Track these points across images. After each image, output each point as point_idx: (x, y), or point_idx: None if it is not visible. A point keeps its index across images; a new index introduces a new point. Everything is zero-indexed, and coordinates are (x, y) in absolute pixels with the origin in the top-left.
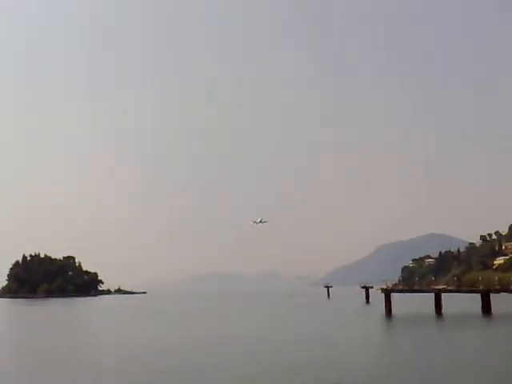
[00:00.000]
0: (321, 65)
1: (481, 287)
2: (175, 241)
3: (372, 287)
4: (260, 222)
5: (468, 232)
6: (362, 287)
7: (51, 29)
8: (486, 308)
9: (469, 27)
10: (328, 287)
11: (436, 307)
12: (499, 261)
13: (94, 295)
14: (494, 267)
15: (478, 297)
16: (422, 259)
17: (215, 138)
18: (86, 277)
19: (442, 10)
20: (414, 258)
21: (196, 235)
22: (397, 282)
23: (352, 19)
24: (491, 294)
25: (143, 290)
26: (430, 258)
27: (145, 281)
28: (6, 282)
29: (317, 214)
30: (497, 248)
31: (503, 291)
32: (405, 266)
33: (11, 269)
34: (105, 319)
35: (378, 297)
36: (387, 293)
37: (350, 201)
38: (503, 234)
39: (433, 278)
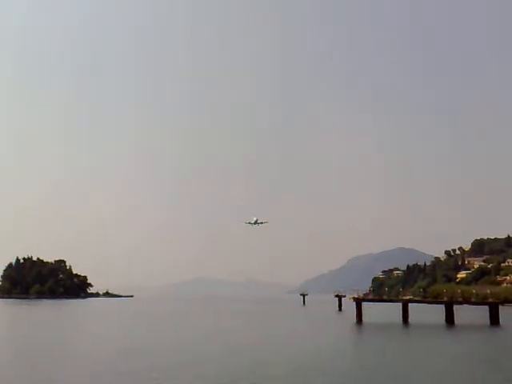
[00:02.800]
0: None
1: (445, 299)
2: (158, 248)
3: (344, 296)
4: (255, 223)
5: (434, 247)
6: (336, 296)
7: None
8: (450, 318)
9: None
10: (304, 295)
11: (403, 316)
12: (462, 274)
13: (83, 298)
14: (457, 280)
15: (442, 307)
16: (391, 271)
17: (197, 140)
18: (75, 280)
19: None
20: (383, 269)
21: (178, 242)
22: (367, 291)
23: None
24: (454, 306)
25: (130, 294)
26: (399, 270)
27: (132, 284)
28: (0, 283)
29: (297, 224)
30: (460, 263)
31: (465, 303)
32: (375, 277)
33: (5, 270)
34: (93, 320)
35: (350, 305)
36: (358, 302)
37: (327, 214)
38: (466, 249)
39: (401, 289)
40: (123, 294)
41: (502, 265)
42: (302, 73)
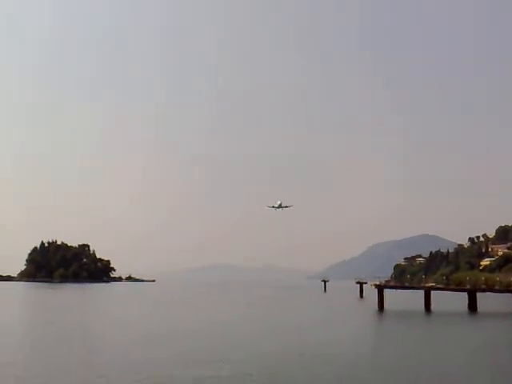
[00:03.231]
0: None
1: (468, 286)
2: (178, 232)
3: (366, 283)
4: (279, 206)
5: (457, 234)
6: (357, 283)
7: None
8: (473, 306)
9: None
10: (325, 281)
11: (425, 304)
12: (486, 262)
13: (107, 282)
14: (481, 268)
15: (464, 295)
16: (413, 258)
17: (216, 127)
18: (99, 264)
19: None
20: (406, 256)
21: (198, 227)
22: (389, 278)
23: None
24: (477, 293)
25: (152, 279)
26: (421, 257)
27: (154, 269)
28: (25, 267)
29: (318, 211)
30: (483, 250)
31: (489, 291)
32: (397, 264)
33: (30, 254)
34: (115, 304)
35: (371, 292)
36: (380, 288)
37: (348, 200)
38: (490, 236)
39: (423, 276)
40: (145, 279)
41: None
42: (319, 73)
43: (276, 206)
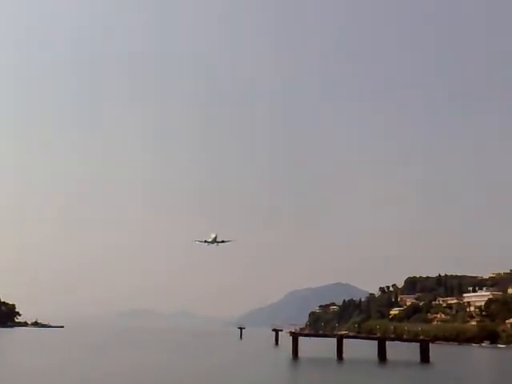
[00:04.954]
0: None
1: (378, 335)
2: (94, 277)
3: (281, 330)
4: (214, 241)
5: (369, 283)
6: (273, 330)
7: None
8: (382, 354)
9: None
10: (241, 328)
11: (337, 351)
12: (395, 311)
13: (11, 327)
14: (390, 317)
15: (375, 343)
16: (327, 306)
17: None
18: (3, 308)
19: None
20: (320, 304)
21: (114, 272)
22: (304, 326)
23: None
24: (387, 342)
25: (61, 324)
26: (335, 305)
27: (65, 314)
28: None
29: (237, 257)
30: (393, 299)
31: (397, 340)
32: (312, 312)
33: None
34: (16, 350)
35: (286, 339)
36: (295, 336)
37: (267, 249)
38: (399, 286)
39: (336, 324)
40: (53, 324)
41: (433, 303)
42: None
43: (210, 240)
